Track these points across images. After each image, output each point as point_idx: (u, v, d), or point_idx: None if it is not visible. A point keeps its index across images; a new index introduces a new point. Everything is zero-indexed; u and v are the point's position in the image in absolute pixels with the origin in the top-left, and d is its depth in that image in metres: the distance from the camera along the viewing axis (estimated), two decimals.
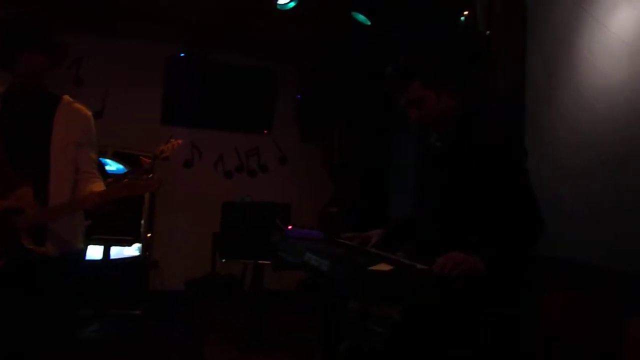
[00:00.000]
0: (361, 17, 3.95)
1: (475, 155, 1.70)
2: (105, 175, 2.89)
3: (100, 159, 4.28)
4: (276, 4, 3.91)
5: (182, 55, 5.47)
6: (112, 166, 4.68)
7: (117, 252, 4.60)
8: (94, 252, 4.30)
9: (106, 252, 4.40)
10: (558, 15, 2.85)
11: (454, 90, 1.80)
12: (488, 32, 3.19)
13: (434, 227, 1.82)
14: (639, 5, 2.31)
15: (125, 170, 4.61)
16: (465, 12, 3.54)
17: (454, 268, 1.46)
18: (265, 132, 5.91)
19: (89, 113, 2.10)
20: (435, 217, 1.83)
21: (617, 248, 2.34)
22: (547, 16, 2.94)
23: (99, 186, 2.00)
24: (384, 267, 1.43)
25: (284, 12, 4.01)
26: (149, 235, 4.95)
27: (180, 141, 3.32)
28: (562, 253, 2.56)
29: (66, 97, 2.07)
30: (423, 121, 1.81)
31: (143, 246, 4.82)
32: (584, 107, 2.62)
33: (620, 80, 2.40)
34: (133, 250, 4.77)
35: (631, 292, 2.22)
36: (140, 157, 3.36)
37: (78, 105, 2.08)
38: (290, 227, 2.27)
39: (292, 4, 3.88)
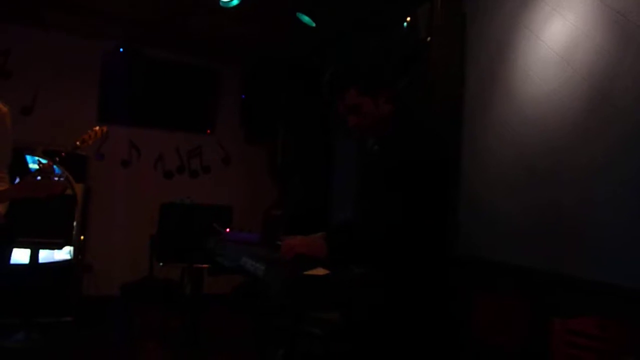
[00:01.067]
0: (306, 19, 3.93)
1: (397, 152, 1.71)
2: (28, 172, 2.70)
3: (28, 156, 4.06)
4: (219, 1, 3.83)
5: (121, 50, 5.26)
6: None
7: (46, 255, 4.35)
8: (21, 256, 4.05)
9: (34, 256, 4.15)
10: (495, 26, 2.94)
11: (392, 97, 1.81)
12: (429, 38, 3.26)
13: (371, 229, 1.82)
14: (570, 17, 2.43)
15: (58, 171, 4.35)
16: (408, 19, 3.61)
17: (290, 251, 1.55)
18: (208, 132, 5.77)
19: (5, 109, 1.97)
20: (372, 220, 1.83)
21: (544, 252, 2.44)
22: (485, 26, 3.03)
23: (2, 187, 1.89)
24: (320, 271, 1.41)
25: (227, 10, 3.94)
26: (82, 237, 4.72)
27: (105, 128, 3.06)
28: (489, 256, 2.65)
29: None
30: (361, 127, 1.82)
31: (75, 249, 4.59)
32: (518, 117, 2.71)
33: (550, 90, 2.51)
34: (64, 253, 4.52)
35: (556, 293, 2.32)
36: (57, 150, 3.05)
37: None
38: (227, 230, 2.21)
39: (236, 2, 3.81)
